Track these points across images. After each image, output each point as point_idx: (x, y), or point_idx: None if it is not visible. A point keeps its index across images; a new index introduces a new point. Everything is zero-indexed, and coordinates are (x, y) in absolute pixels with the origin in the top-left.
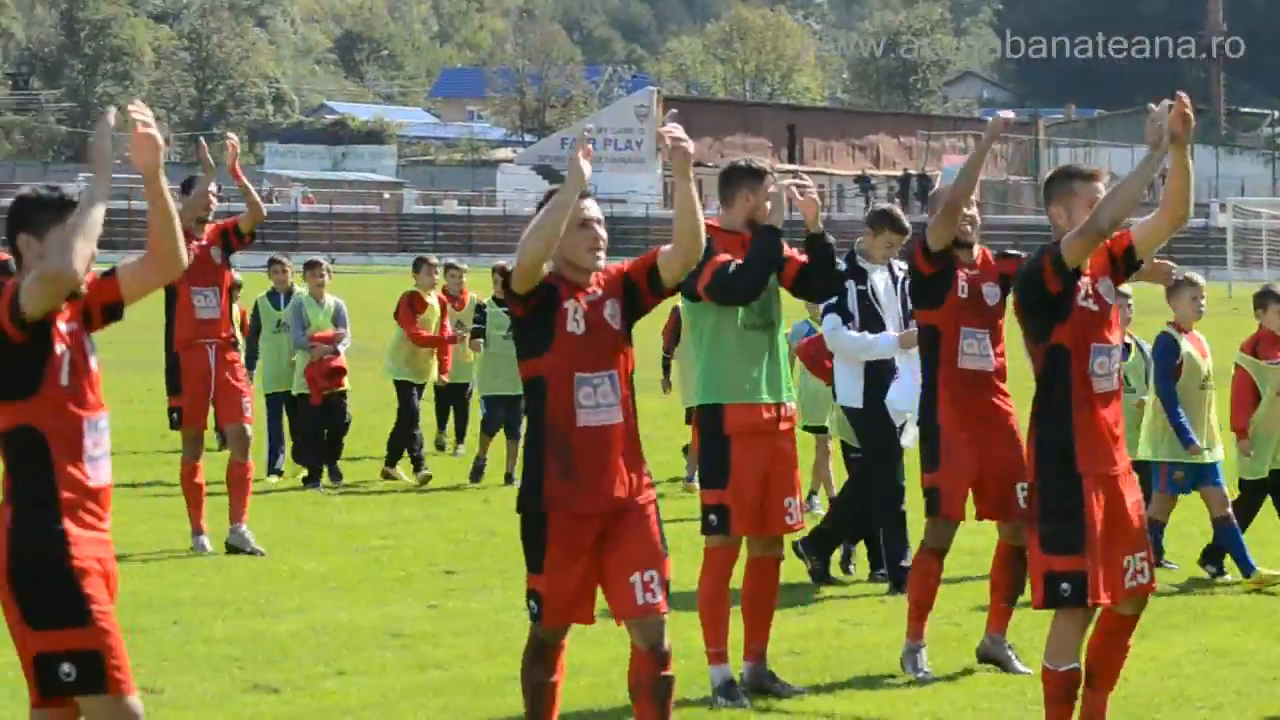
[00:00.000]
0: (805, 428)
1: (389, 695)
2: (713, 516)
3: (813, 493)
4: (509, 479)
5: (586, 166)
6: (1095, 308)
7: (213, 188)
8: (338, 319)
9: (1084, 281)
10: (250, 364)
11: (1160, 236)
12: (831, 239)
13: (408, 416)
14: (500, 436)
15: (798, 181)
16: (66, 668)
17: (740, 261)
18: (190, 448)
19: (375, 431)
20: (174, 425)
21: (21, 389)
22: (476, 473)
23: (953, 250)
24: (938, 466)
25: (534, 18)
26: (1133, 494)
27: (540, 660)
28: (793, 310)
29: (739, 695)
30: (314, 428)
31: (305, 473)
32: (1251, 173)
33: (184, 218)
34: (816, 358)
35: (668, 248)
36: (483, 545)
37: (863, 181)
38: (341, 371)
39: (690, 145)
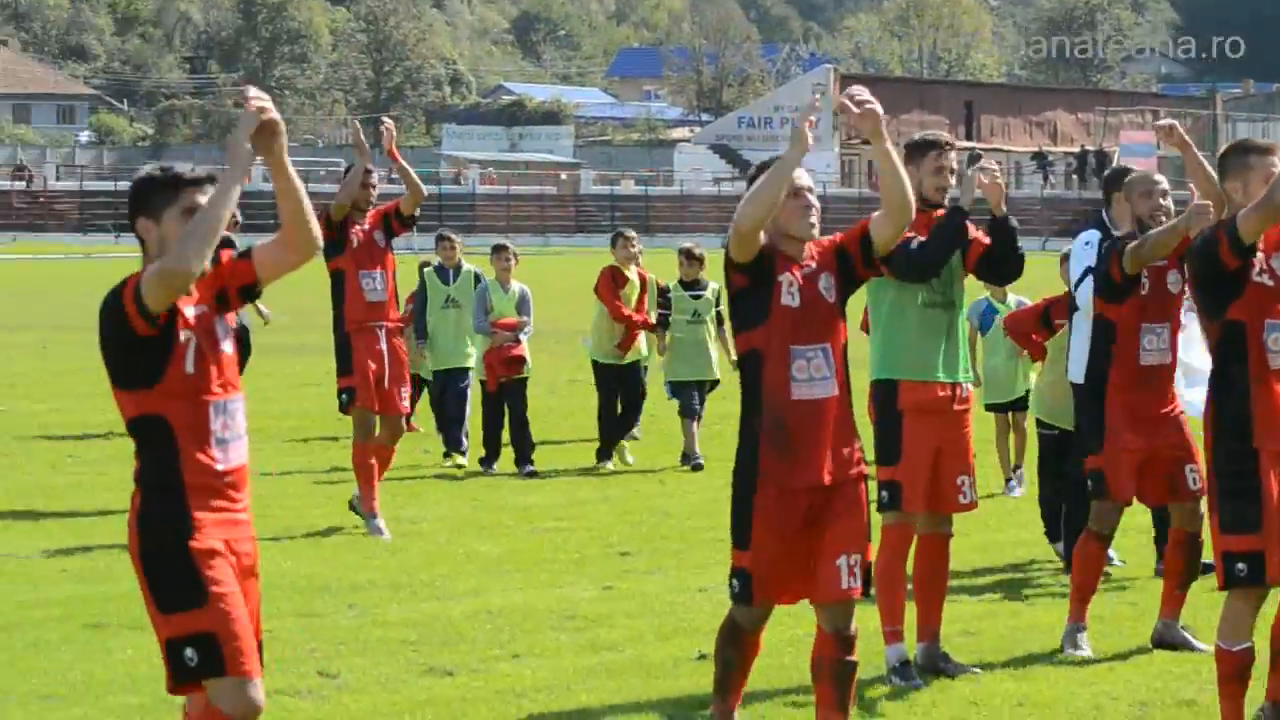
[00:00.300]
0: (987, 406)
1: (562, 677)
2: (885, 493)
3: (1016, 466)
4: (685, 459)
5: (810, 135)
6: (1270, 283)
7: (373, 172)
8: (522, 306)
9: (1259, 257)
10: (420, 335)
11: None
12: (1015, 222)
13: (609, 401)
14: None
15: (983, 165)
16: (189, 652)
17: (923, 239)
18: (362, 429)
19: (551, 414)
20: (343, 407)
21: (146, 378)
22: (685, 459)
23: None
24: (1103, 449)
25: None
26: None
27: (735, 643)
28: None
29: (913, 675)
30: (492, 413)
31: (481, 453)
32: None
33: (341, 201)
34: (1024, 330)
35: (879, 214)
36: (658, 527)
37: (1040, 158)
38: (522, 360)
39: (878, 106)
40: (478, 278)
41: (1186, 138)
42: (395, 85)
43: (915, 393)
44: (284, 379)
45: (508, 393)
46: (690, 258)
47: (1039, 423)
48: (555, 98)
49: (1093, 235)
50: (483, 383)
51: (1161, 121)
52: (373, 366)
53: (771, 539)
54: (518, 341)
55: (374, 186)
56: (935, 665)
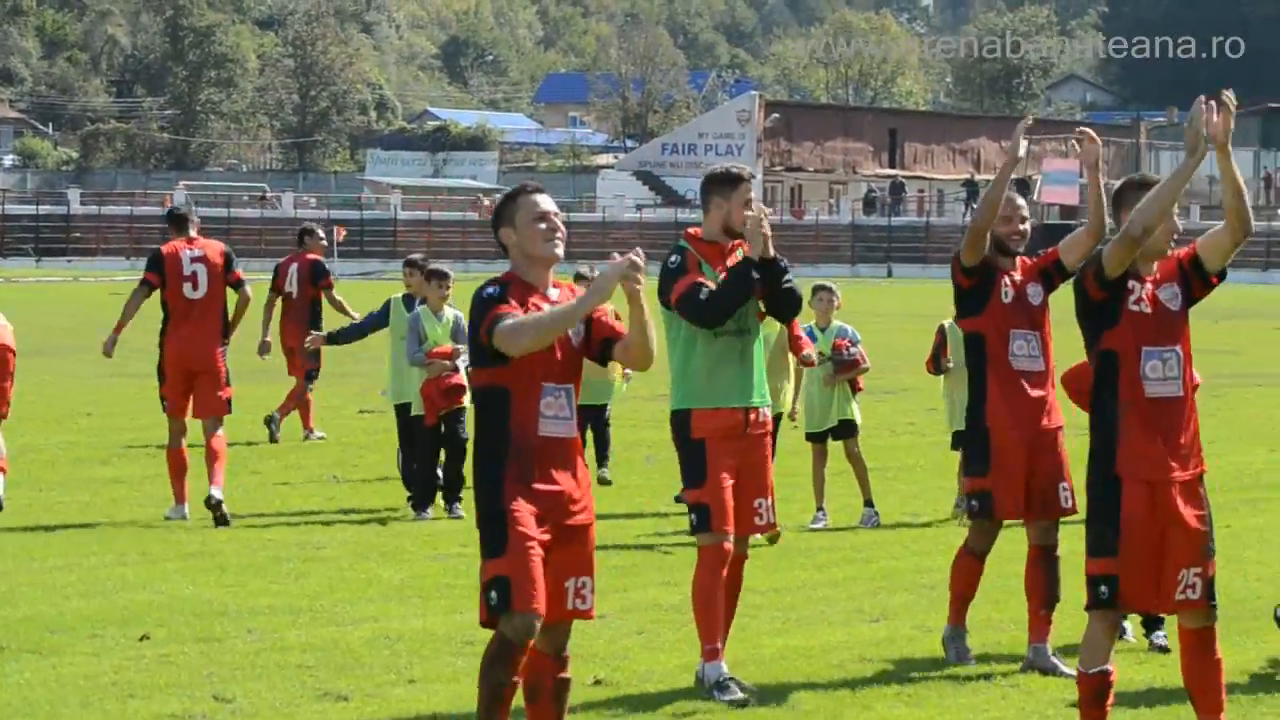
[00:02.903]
0: (806, 435)
1: (458, 703)
2: (694, 515)
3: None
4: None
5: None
6: (1149, 311)
7: None
8: (456, 333)
9: (1138, 285)
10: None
11: (1224, 251)
12: (786, 263)
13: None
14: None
15: (750, 212)
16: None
17: (712, 288)
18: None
19: None
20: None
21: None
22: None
23: (994, 259)
24: (988, 470)
25: (639, 22)
26: (1194, 507)
27: (505, 660)
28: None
29: (735, 691)
30: (429, 450)
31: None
32: None
33: None
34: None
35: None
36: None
37: (970, 186)
38: (461, 389)
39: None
40: (408, 304)
41: (1098, 161)
42: (321, 110)
43: (711, 419)
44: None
45: (447, 424)
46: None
47: None
48: (481, 123)
49: None
50: (416, 418)
51: (1084, 129)
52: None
53: (524, 546)
54: (455, 370)
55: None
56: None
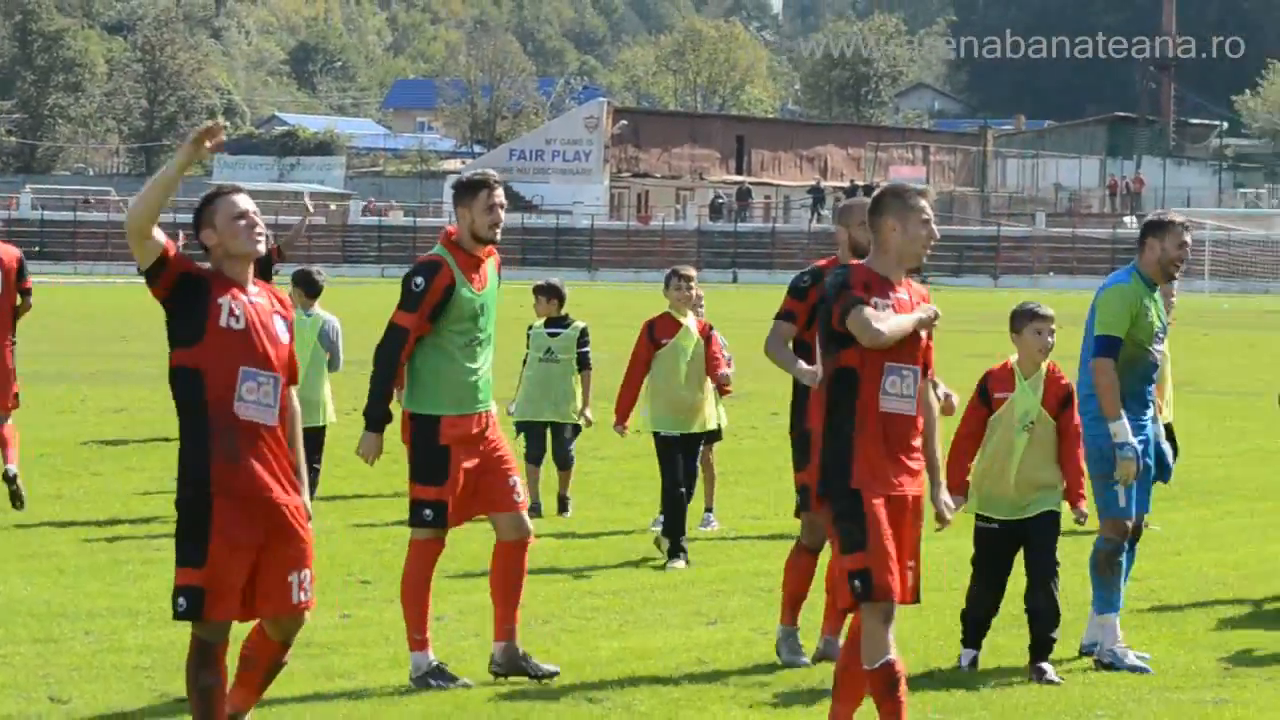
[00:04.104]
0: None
1: (293, 704)
2: (428, 511)
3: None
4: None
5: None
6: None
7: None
8: (322, 335)
9: (877, 301)
10: None
11: None
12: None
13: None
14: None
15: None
16: None
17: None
18: None
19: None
20: None
21: None
22: (534, 508)
23: None
24: (809, 463)
25: (488, 29)
26: (916, 524)
27: (206, 664)
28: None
29: (450, 678)
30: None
31: None
32: (1199, 184)
33: None
34: None
35: None
36: (399, 556)
37: (816, 193)
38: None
39: None
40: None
41: None
42: (169, 115)
43: (457, 426)
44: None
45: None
46: (554, 294)
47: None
48: (329, 128)
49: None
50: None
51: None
52: None
53: (225, 553)
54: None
55: None
56: (516, 665)
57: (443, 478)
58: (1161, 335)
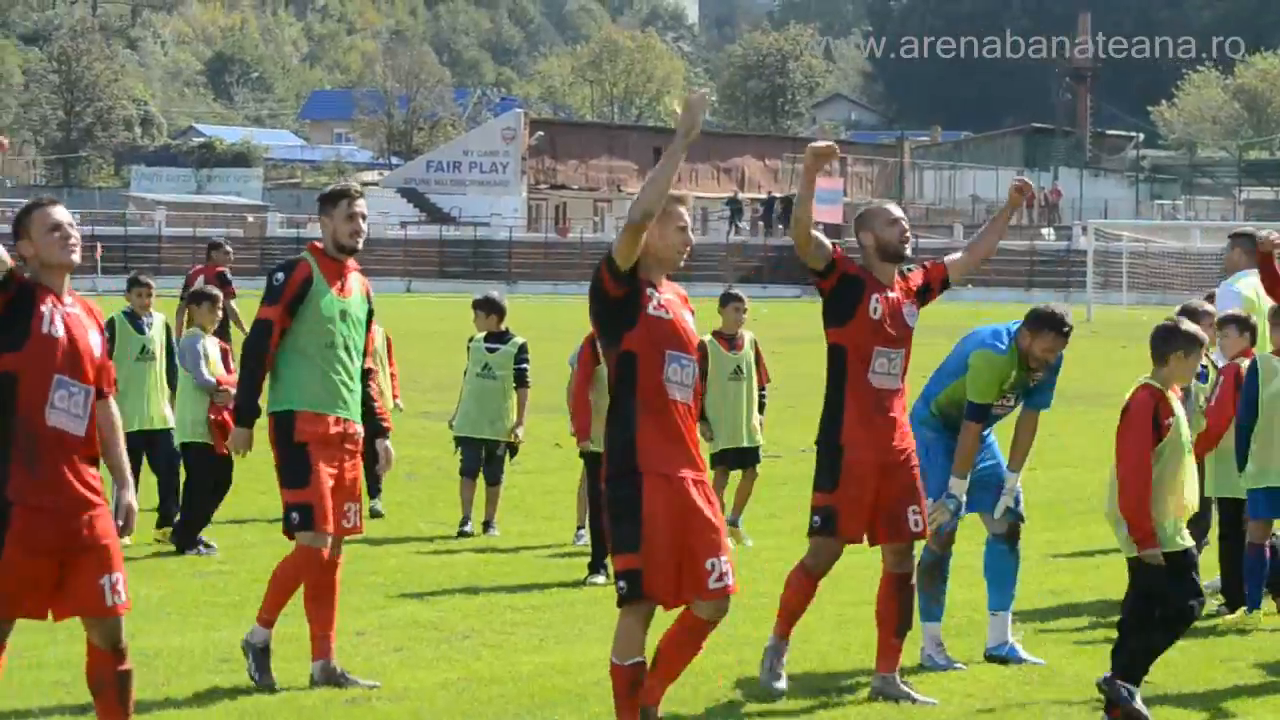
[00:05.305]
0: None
1: (210, 718)
2: (295, 514)
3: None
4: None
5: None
6: (668, 316)
7: None
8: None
9: (652, 292)
10: None
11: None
12: None
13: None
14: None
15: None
16: None
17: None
18: None
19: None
20: None
21: None
22: (466, 521)
23: (869, 271)
24: (835, 487)
25: (404, 40)
26: (708, 501)
27: None
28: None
29: (267, 674)
30: (206, 479)
31: (169, 528)
32: (1116, 195)
33: None
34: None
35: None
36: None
37: (734, 204)
38: None
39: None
40: (169, 326)
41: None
42: (86, 126)
43: (312, 424)
44: None
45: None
46: (489, 309)
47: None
48: (245, 139)
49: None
50: (195, 447)
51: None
52: None
53: (19, 558)
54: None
55: None
56: (334, 681)
57: (305, 478)
58: (1010, 395)
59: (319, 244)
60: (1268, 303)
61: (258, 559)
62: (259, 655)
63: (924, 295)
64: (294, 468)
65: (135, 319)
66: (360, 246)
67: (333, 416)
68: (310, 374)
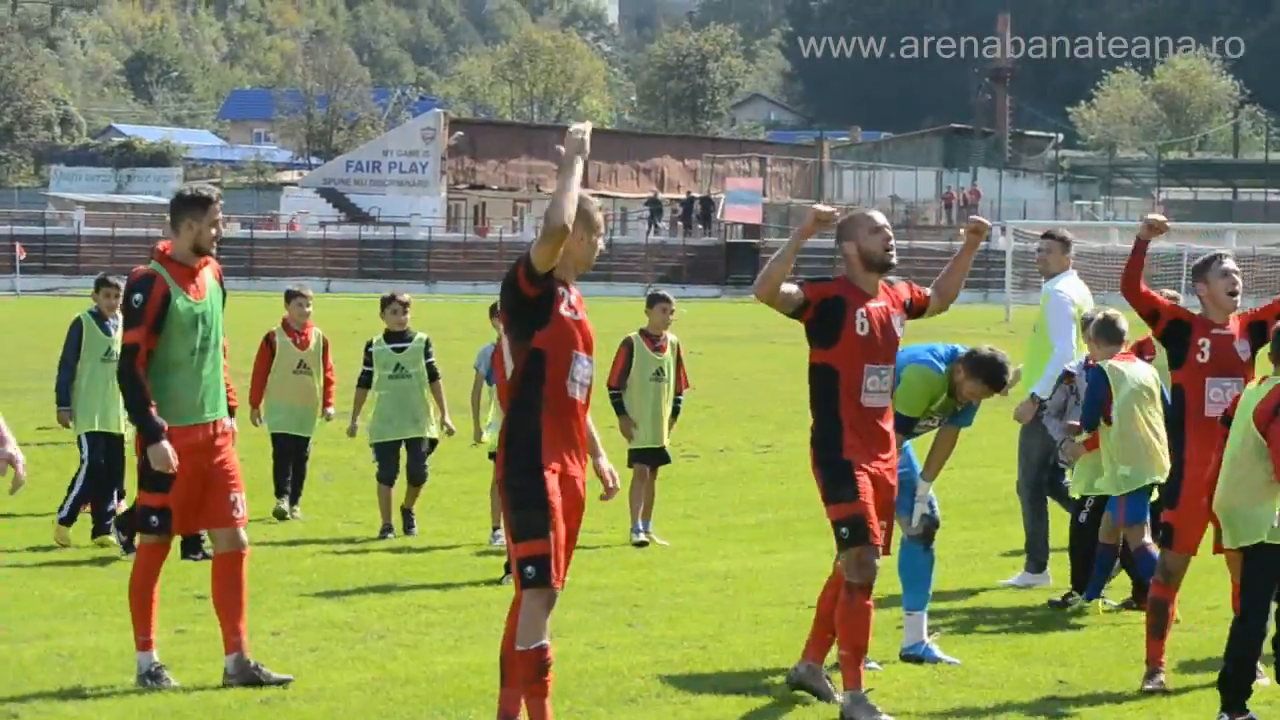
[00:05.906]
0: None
1: (126, 718)
2: (154, 518)
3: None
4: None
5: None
6: (579, 317)
7: None
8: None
9: (564, 292)
10: (64, 391)
11: None
12: None
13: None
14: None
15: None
16: None
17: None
18: None
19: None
20: None
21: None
22: (388, 530)
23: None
24: (857, 495)
25: (324, 39)
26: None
27: None
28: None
29: (166, 680)
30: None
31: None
32: (1034, 196)
33: None
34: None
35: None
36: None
37: (653, 204)
38: None
39: None
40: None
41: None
42: (5, 125)
43: (183, 437)
44: None
45: None
46: (405, 305)
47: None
48: (165, 139)
49: None
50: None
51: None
52: None
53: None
54: None
55: None
56: (249, 674)
57: (167, 485)
58: (935, 416)
59: (167, 248)
60: (1088, 306)
61: (174, 558)
62: (156, 677)
63: (909, 311)
64: (159, 475)
65: (101, 320)
66: (215, 250)
67: (202, 425)
68: (180, 383)
